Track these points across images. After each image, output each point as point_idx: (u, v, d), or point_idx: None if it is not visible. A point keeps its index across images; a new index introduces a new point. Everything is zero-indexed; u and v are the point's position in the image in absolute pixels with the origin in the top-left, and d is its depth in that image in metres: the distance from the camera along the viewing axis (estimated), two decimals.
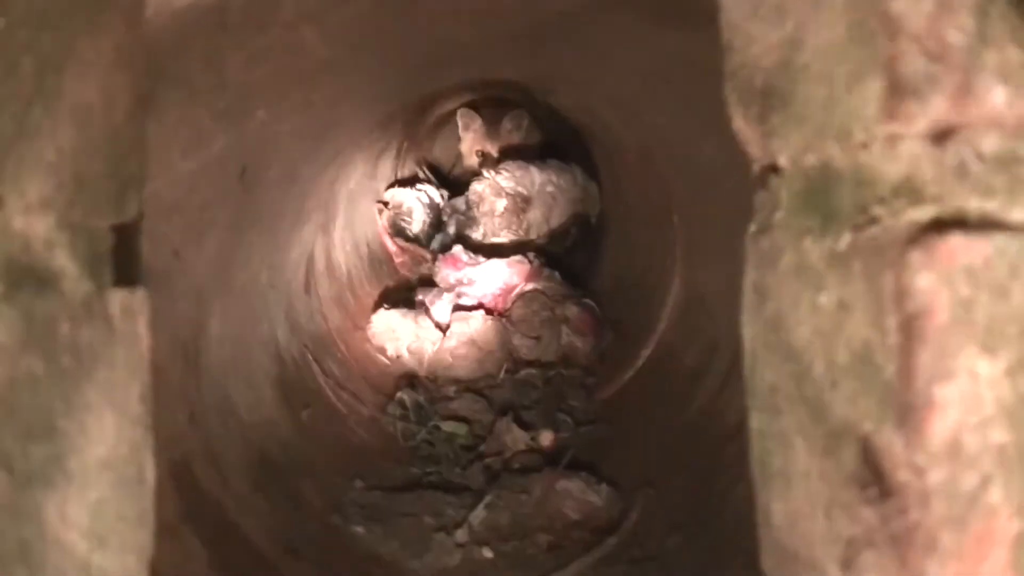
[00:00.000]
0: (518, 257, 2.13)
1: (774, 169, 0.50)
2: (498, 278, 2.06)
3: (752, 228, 0.52)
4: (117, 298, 0.52)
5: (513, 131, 2.39)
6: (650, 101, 1.36)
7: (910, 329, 0.41)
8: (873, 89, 0.43)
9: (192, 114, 0.84)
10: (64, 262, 0.49)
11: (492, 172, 2.31)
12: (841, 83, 0.45)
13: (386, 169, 2.39)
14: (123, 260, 0.54)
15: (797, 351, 0.48)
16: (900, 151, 0.43)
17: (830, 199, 0.46)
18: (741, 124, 0.52)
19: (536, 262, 2.13)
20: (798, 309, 0.47)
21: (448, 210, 2.38)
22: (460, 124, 2.42)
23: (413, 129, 2.39)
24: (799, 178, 0.48)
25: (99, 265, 0.52)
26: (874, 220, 0.44)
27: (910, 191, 0.43)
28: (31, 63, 0.47)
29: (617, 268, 2.11)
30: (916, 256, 0.41)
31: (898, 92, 0.42)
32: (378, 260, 2.22)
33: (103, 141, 0.52)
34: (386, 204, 2.32)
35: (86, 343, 0.50)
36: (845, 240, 0.45)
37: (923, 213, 0.43)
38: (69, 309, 0.49)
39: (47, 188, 0.48)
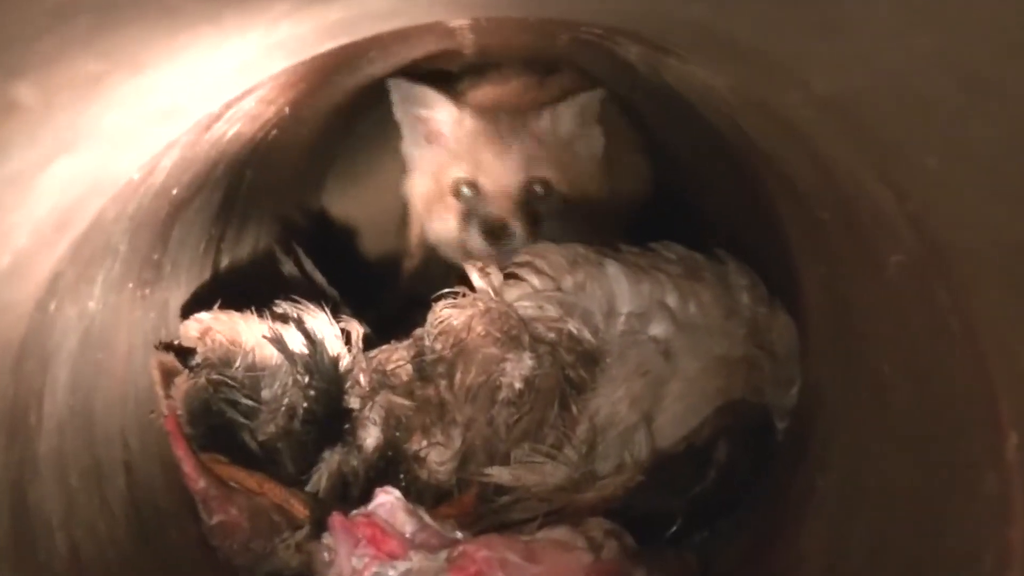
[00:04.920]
0: (560, 532, 1.27)
1: None
2: None
3: None
4: None
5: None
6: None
7: None
8: None
9: None
10: None
11: (490, 272, 1.53)
12: None
13: (190, 248, 1.56)
14: None
15: None
16: None
17: None
18: None
19: (611, 546, 1.26)
20: None
21: (362, 378, 1.55)
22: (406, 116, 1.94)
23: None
24: None
25: None
26: None
27: None
28: None
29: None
30: None
31: None
32: (156, 513, 1.38)
33: None
34: (181, 353, 1.50)
35: None
36: None
37: None
38: None
39: None
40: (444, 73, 2.01)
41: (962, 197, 0.85)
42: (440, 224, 1.96)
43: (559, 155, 1.91)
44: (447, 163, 1.92)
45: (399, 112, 1.93)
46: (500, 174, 1.89)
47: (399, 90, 1.90)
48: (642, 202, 2.02)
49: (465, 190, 1.89)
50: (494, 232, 1.85)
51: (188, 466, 1.36)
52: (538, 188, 1.88)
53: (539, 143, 1.89)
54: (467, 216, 1.89)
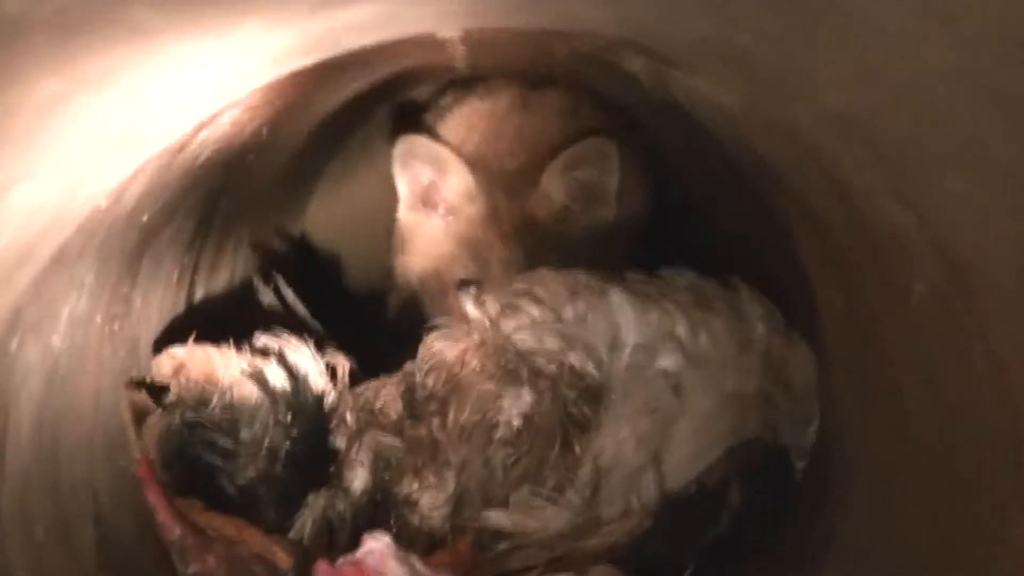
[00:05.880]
0: None
1: None
2: None
3: None
4: None
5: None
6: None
7: None
8: None
9: None
10: None
11: (486, 301, 1.50)
12: None
13: (162, 280, 1.54)
14: None
15: None
16: None
17: None
18: None
19: None
20: None
21: (348, 416, 1.52)
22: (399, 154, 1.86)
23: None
24: None
25: None
26: None
27: None
28: None
29: None
30: None
31: None
32: (128, 565, 1.36)
33: None
34: (154, 391, 1.47)
35: None
36: None
37: None
38: None
39: None
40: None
41: (985, 218, 0.83)
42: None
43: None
44: (450, 257, 1.87)
45: (398, 166, 1.87)
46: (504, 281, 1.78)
47: (407, 145, 1.85)
48: (642, 225, 2.00)
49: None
50: None
51: (162, 513, 1.32)
52: None
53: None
54: None
